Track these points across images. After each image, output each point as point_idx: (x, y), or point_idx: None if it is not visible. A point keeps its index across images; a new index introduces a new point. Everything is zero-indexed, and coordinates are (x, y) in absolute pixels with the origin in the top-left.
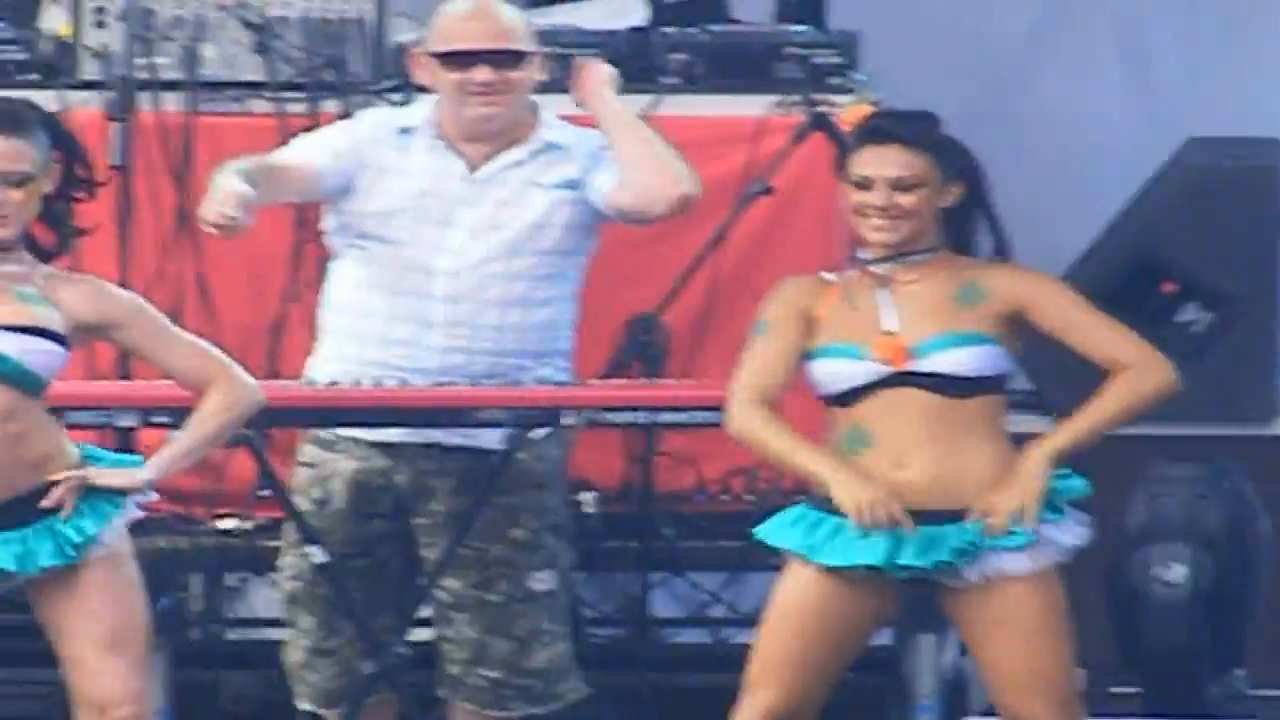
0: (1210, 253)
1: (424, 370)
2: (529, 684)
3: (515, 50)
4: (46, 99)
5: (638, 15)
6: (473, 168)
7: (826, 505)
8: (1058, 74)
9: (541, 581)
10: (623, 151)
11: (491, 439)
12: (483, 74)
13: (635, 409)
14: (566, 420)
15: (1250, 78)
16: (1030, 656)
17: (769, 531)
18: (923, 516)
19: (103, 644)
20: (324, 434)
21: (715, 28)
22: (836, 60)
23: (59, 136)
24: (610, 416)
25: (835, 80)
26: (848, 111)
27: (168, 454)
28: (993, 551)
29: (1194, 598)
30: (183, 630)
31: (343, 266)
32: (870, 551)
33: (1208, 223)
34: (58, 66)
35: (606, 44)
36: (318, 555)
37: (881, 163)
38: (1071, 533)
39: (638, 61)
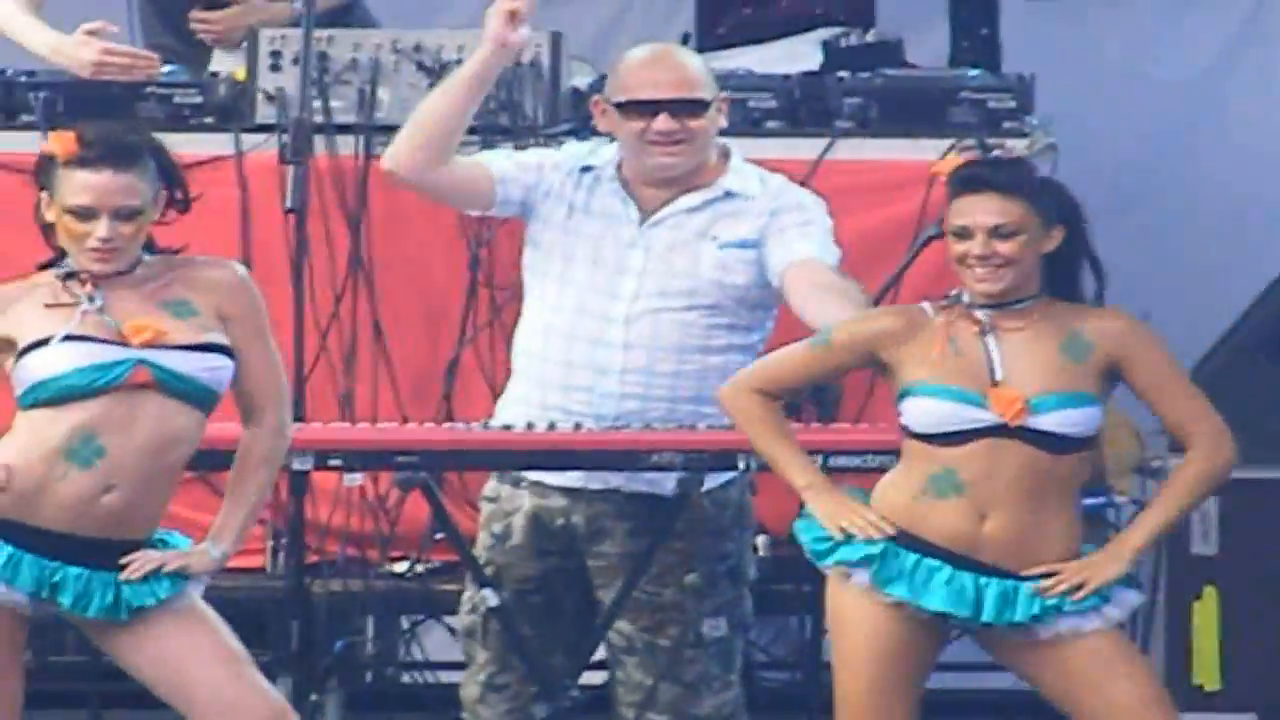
0: None
1: (600, 416)
2: None
3: (697, 99)
4: (222, 142)
5: (812, 59)
6: (646, 213)
7: (914, 543)
8: (1232, 117)
9: (714, 628)
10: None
11: (669, 485)
12: (663, 123)
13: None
14: (739, 464)
15: None
16: (1122, 693)
17: (846, 550)
18: (997, 571)
19: (233, 658)
20: (506, 477)
21: (890, 72)
22: (1011, 104)
23: (164, 164)
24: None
25: (1009, 124)
26: (942, 162)
27: (234, 530)
28: (1066, 614)
29: None
30: (357, 673)
31: (529, 308)
32: (957, 603)
33: None
34: (233, 110)
35: (780, 88)
36: (491, 599)
37: (979, 211)
38: (1135, 594)
39: (812, 105)
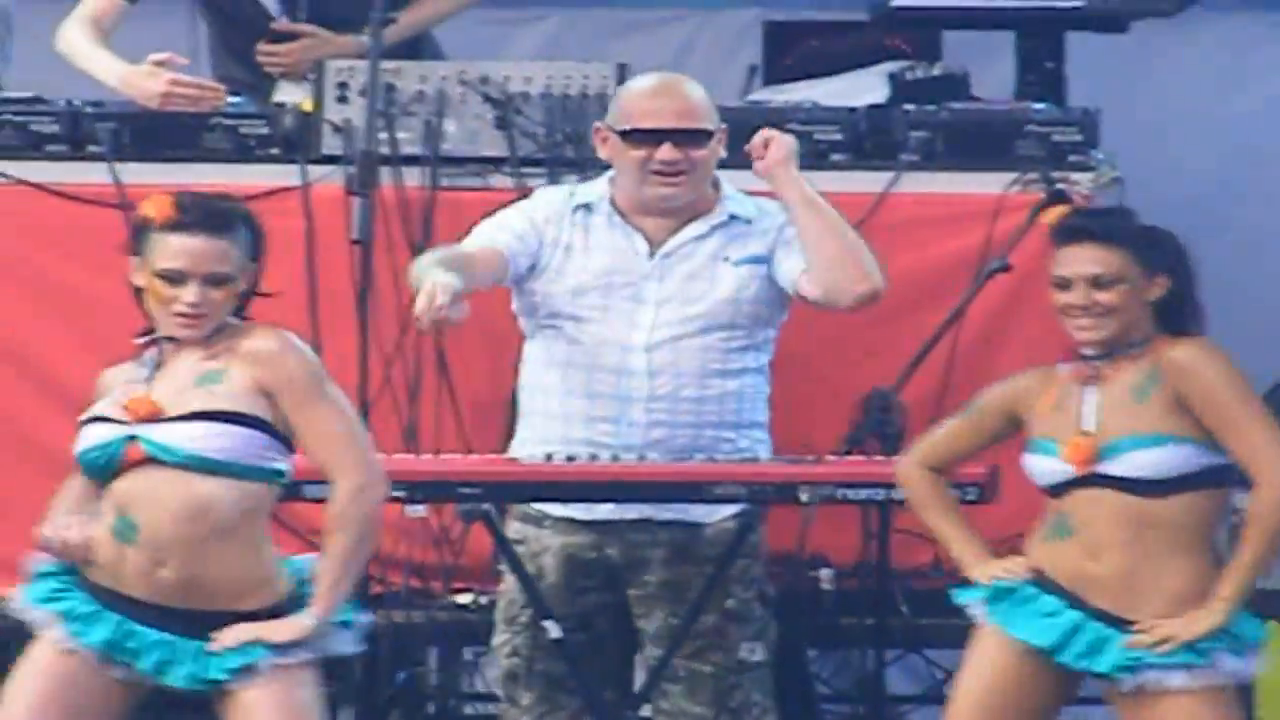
0: None
1: (630, 446)
2: None
3: (701, 129)
4: (288, 174)
5: (878, 92)
6: (655, 243)
7: (1044, 582)
8: None
9: (752, 652)
10: (810, 239)
11: (699, 513)
12: (666, 152)
13: (871, 485)
14: (802, 496)
15: None
16: None
17: (977, 588)
18: (1103, 616)
19: None
20: (532, 511)
21: (955, 105)
22: (1076, 138)
23: (256, 235)
24: (846, 493)
25: (1075, 158)
26: (1049, 213)
27: (325, 596)
28: (1151, 666)
29: None
30: (420, 704)
31: (536, 348)
32: (1044, 634)
33: None
34: (299, 141)
35: (846, 120)
36: (553, 630)
37: (1078, 261)
38: (1241, 662)
39: (877, 138)
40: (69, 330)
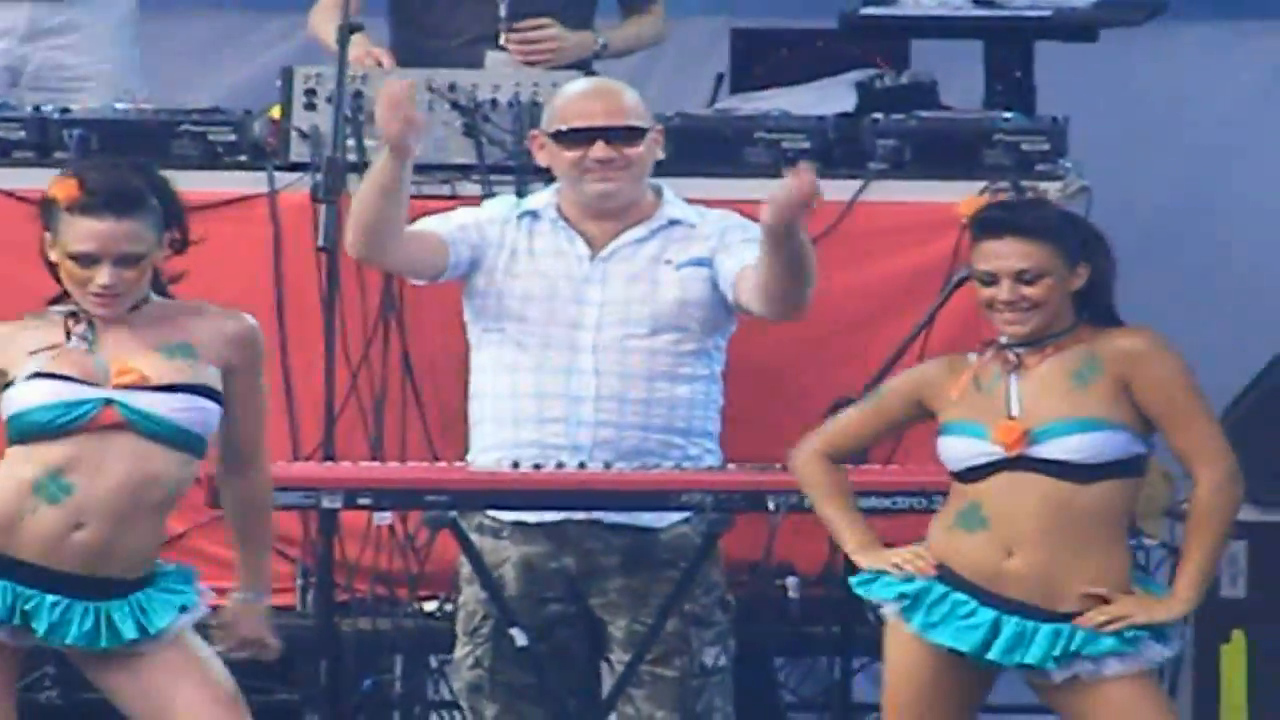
0: None
1: (578, 446)
2: None
3: (631, 126)
4: (255, 181)
5: (846, 101)
6: (596, 247)
7: (950, 578)
8: (1268, 161)
9: (715, 658)
10: (776, 272)
11: (650, 518)
12: (600, 150)
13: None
14: (769, 505)
15: None
16: None
17: (871, 584)
18: (1021, 609)
19: (222, 697)
20: (489, 522)
21: (924, 114)
22: (1044, 147)
23: (169, 204)
24: (795, 500)
25: (1043, 167)
26: (965, 203)
27: (267, 575)
28: (1084, 657)
29: None
30: (385, 712)
31: (485, 356)
32: (965, 638)
33: None
34: (266, 148)
35: (814, 129)
36: (520, 638)
37: (1002, 256)
38: (1166, 648)
39: (845, 147)
40: None
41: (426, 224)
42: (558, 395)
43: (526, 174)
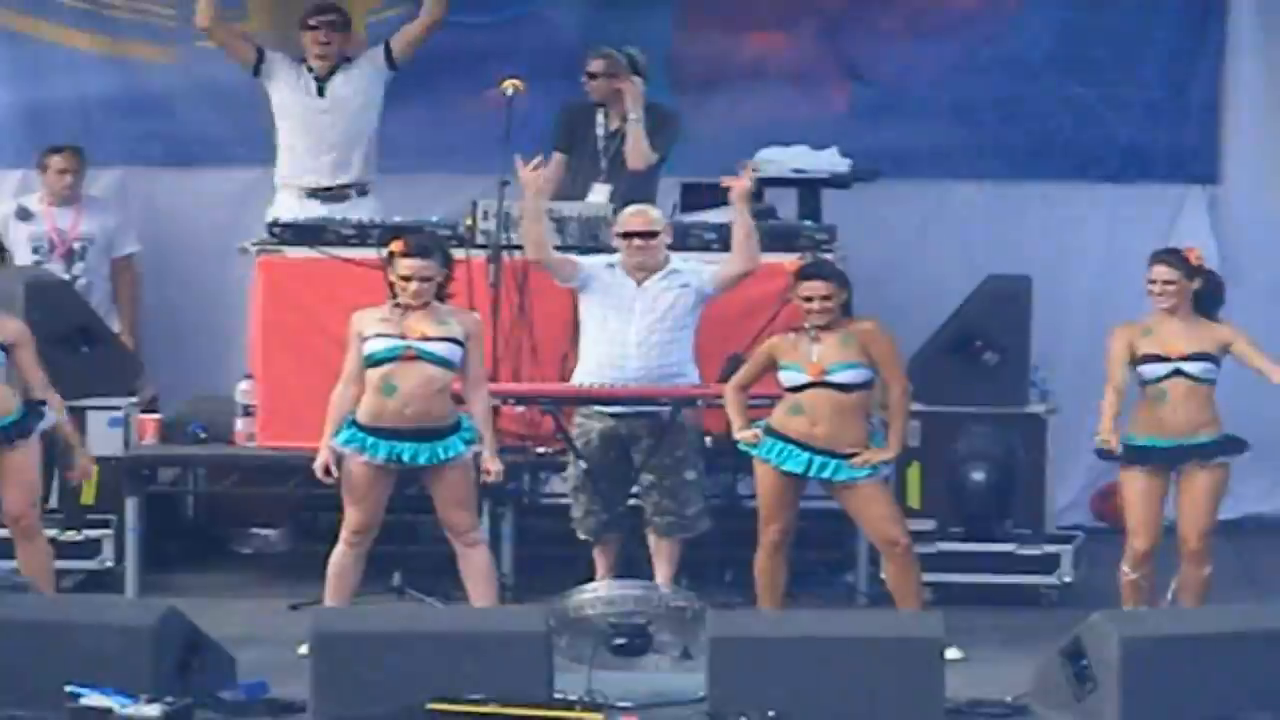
0: (997, 329)
1: (627, 378)
2: (684, 523)
3: (654, 230)
4: (461, 254)
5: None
6: (638, 283)
7: (784, 438)
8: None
9: (690, 474)
10: (740, 238)
11: (664, 411)
12: (638, 241)
13: (721, 398)
14: (698, 403)
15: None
16: (879, 510)
17: (758, 448)
18: (822, 452)
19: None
20: (586, 410)
21: (773, 220)
22: (826, 237)
23: (446, 255)
24: (717, 401)
25: (825, 246)
26: (789, 262)
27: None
28: (854, 475)
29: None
30: (517, 497)
31: (588, 332)
32: (796, 464)
33: (1000, 311)
34: (465, 239)
35: (723, 230)
36: (584, 464)
37: (813, 289)
38: (889, 469)
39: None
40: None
41: (571, 255)
42: (620, 353)
43: (610, 249)
